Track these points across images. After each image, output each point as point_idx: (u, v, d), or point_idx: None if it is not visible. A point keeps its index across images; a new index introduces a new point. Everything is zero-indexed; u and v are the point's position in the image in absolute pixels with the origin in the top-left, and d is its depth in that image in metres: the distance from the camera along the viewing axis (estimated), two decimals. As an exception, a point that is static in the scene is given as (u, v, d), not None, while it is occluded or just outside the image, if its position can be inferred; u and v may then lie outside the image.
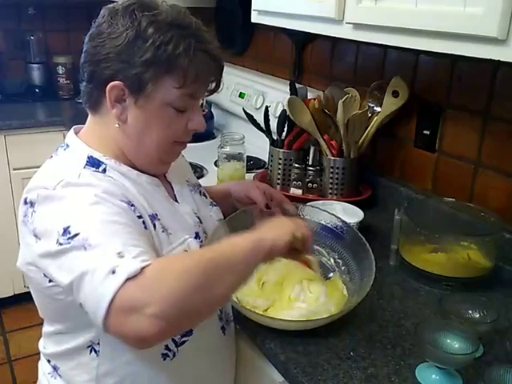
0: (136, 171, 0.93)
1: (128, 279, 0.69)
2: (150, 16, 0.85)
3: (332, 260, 1.15)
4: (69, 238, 0.74)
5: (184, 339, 0.93)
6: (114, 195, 0.83)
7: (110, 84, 0.86)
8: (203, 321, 0.79)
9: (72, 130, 0.96)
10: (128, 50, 0.84)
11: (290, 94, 1.59)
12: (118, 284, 0.68)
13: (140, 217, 0.86)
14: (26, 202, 0.84)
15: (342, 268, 1.13)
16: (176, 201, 1.00)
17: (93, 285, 0.71)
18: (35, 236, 0.81)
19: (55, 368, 0.96)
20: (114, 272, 0.70)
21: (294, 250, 0.91)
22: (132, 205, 0.85)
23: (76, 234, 0.74)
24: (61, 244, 0.75)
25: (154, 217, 0.90)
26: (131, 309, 0.68)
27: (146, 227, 0.87)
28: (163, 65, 0.85)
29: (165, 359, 0.92)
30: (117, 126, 0.90)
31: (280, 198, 1.19)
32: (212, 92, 0.96)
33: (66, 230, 0.75)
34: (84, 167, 0.87)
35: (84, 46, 0.90)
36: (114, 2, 0.89)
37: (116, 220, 0.78)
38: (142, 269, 0.70)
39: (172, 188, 1.02)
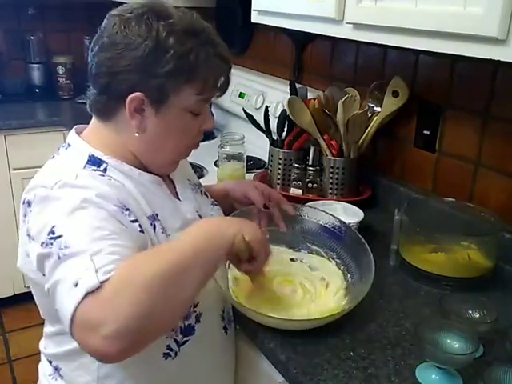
0: (138, 170, 0.93)
1: (88, 293, 0.68)
2: (166, 25, 0.84)
3: (331, 260, 1.15)
4: (52, 239, 0.75)
5: (186, 339, 0.93)
6: (107, 199, 0.81)
7: (130, 96, 0.85)
8: (169, 328, 0.77)
9: (73, 130, 0.96)
10: (148, 61, 0.84)
11: (290, 94, 1.59)
12: (77, 300, 0.68)
13: (135, 221, 0.85)
14: (24, 202, 0.85)
15: (341, 268, 1.13)
16: (178, 199, 1.00)
17: (61, 295, 0.72)
18: (28, 236, 0.81)
19: (57, 369, 0.96)
20: (76, 285, 0.69)
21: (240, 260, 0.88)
22: (127, 209, 0.84)
23: (59, 236, 0.74)
24: (46, 245, 0.75)
25: (153, 217, 0.90)
26: (88, 327, 0.68)
27: (142, 231, 0.86)
28: (185, 74, 0.85)
29: (166, 359, 0.92)
30: (136, 135, 0.89)
31: (278, 198, 1.19)
32: (223, 92, 0.96)
33: (51, 231, 0.76)
34: (84, 166, 0.87)
35: (93, 56, 0.88)
36: (115, 2, 0.89)
37: (100, 226, 0.76)
38: (103, 282, 0.68)
39: (174, 186, 1.02)
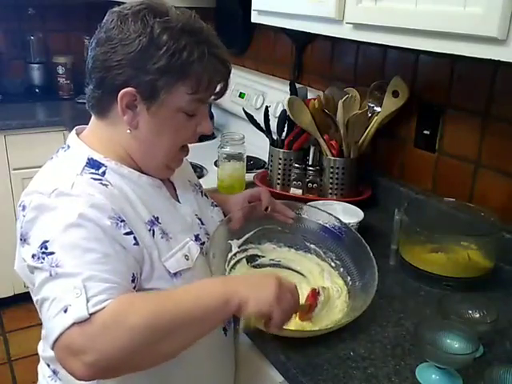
0: (138, 173, 0.93)
1: (75, 323, 0.70)
2: (162, 22, 0.84)
3: (330, 261, 1.15)
4: (43, 254, 0.76)
5: None
6: (102, 210, 0.81)
7: (122, 91, 0.85)
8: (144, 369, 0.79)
9: (74, 131, 0.95)
10: (141, 57, 0.84)
11: (290, 94, 1.59)
12: (64, 326, 0.71)
13: (130, 233, 0.84)
14: (20, 205, 0.85)
15: (341, 270, 1.12)
16: (178, 201, 1.00)
17: (48, 315, 0.74)
18: (21, 240, 0.82)
19: (55, 372, 0.96)
20: (65, 311, 0.71)
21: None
22: (122, 220, 0.83)
23: (51, 253, 0.75)
24: (38, 259, 0.76)
25: (152, 222, 0.89)
26: (70, 352, 0.71)
27: (136, 243, 0.84)
28: (177, 72, 0.85)
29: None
30: (128, 131, 0.89)
31: (281, 208, 1.17)
32: (220, 96, 0.95)
33: (43, 245, 0.76)
34: (83, 169, 0.86)
35: (91, 51, 0.89)
36: (115, 2, 0.89)
37: (93, 248, 0.77)
38: (92, 314, 0.71)
39: (174, 188, 1.02)
